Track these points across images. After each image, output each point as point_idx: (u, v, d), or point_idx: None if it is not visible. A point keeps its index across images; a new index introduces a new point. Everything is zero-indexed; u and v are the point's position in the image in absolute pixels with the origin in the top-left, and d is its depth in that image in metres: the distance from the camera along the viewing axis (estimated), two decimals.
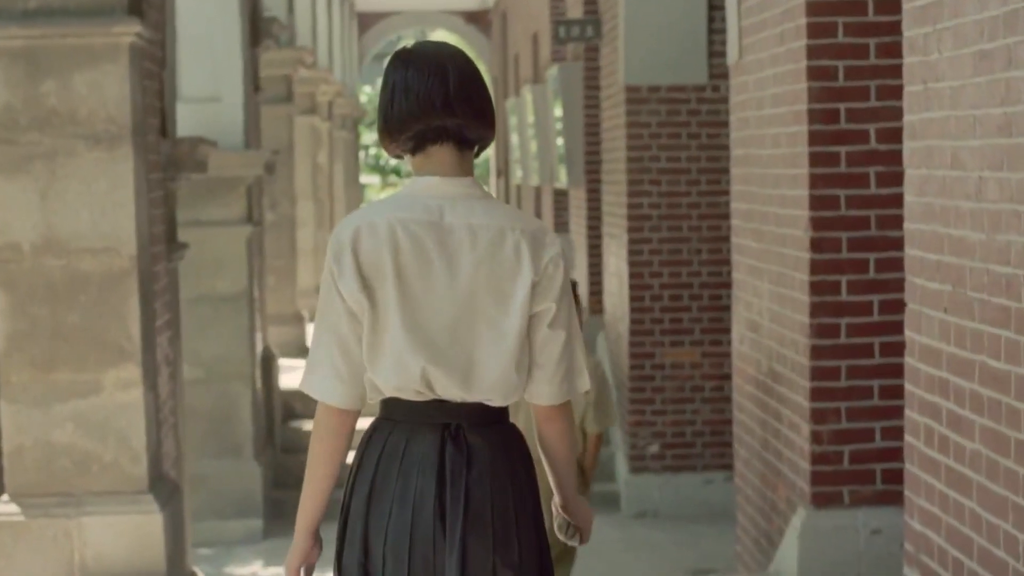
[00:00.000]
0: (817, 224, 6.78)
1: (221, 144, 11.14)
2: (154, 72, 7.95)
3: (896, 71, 6.52)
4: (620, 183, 11.81)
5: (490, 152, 35.90)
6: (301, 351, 15.27)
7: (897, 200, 6.64)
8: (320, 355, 3.53)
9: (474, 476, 3.49)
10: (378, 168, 42.36)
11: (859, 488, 6.80)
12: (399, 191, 3.56)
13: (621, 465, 11.92)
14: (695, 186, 11.54)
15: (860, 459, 6.80)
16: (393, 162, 42.43)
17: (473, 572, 3.51)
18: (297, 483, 12.84)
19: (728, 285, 11.43)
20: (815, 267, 6.80)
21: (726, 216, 11.33)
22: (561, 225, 17.56)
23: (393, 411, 3.53)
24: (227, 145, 11.28)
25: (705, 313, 11.60)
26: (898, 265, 6.64)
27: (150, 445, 7.32)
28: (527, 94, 18.55)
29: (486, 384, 3.50)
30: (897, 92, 6.54)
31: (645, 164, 11.50)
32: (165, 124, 8.12)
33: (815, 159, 6.77)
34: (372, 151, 42.53)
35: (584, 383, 3.65)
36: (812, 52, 6.69)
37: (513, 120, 21.25)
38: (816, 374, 6.81)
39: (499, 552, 3.52)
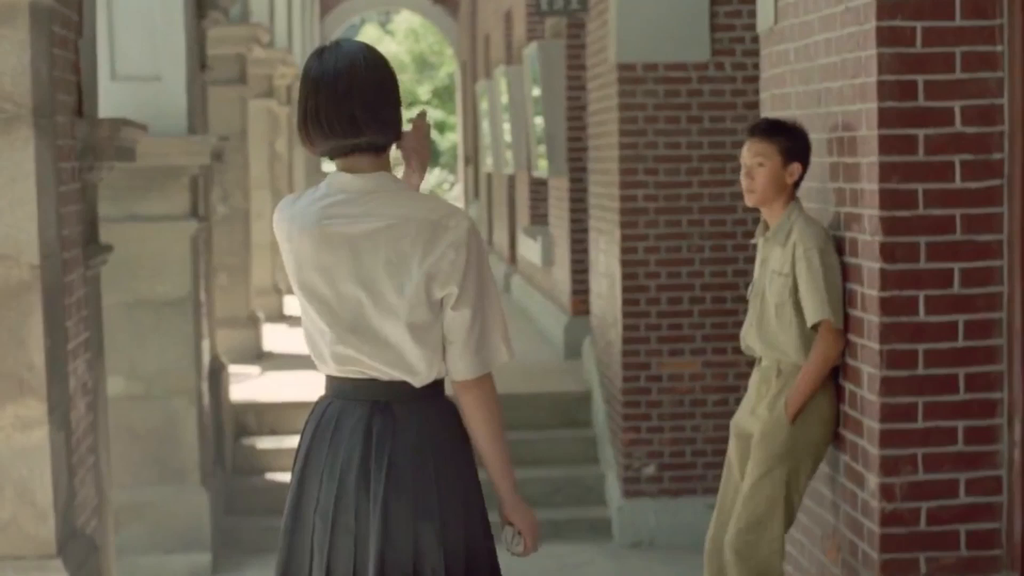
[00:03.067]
0: (889, 226, 5.36)
1: (162, 129, 9.69)
2: (68, 40, 6.47)
3: (988, 34, 5.11)
4: (611, 172, 10.48)
5: (457, 139, 34.64)
6: (257, 357, 13.82)
7: (988, 196, 5.22)
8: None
9: (399, 445, 3.68)
10: None
11: (939, 555, 5.40)
12: (319, 185, 3.80)
13: (613, 489, 10.54)
14: (696, 176, 10.22)
15: (941, 519, 5.39)
16: None
17: (395, 536, 3.69)
18: (251, 508, 10.75)
19: (734, 287, 10.16)
20: (887, 280, 5.38)
21: (731, 210, 10.04)
22: (539, 217, 16.23)
23: (331, 387, 3.80)
24: (168, 130, 9.82)
25: (707, 318, 10.25)
26: (988, 277, 5.22)
27: (59, 498, 5.85)
28: (500, 76, 17.19)
29: (397, 363, 3.72)
30: (989, 60, 5.13)
31: (640, 151, 10.18)
32: (82, 103, 6.63)
33: (886, 144, 5.35)
34: None
35: (501, 357, 3.83)
36: (883, 10, 5.26)
37: (484, 105, 19.90)
38: (887, 413, 5.39)
39: (420, 518, 3.70)
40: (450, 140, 41.20)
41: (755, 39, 9.89)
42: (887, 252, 5.36)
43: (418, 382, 3.76)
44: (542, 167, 14.06)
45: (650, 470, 10.36)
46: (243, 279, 13.91)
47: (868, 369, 5.48)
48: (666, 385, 10.31)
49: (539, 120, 13.83)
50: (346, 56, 3.73)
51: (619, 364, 10.29)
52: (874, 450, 5.42)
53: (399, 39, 43.24)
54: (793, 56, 6.29)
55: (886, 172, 5.35)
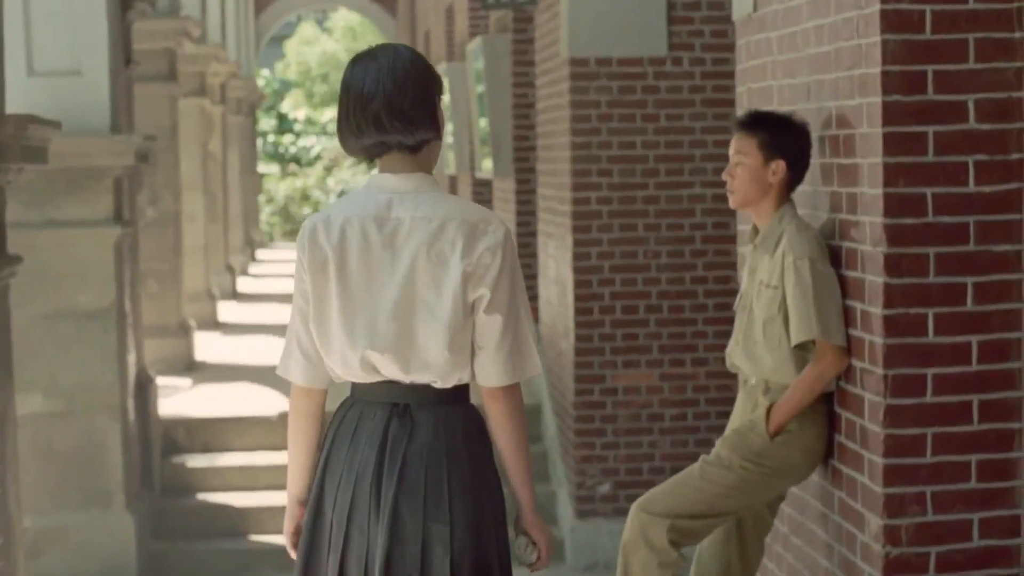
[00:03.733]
0: (894, 235, 4.73)
1: (82, 127, 8.98)
2: None
3: (1005, 19, 4.51)
4: (562, 174, 9.85)
5: None
6: (188, 368, 13.09)
7: (1005, 201, 4.61)
8: (289, 336, 3.86)
9: (414, 448, 3.69)
10: (277, 156, 40.30)
11: None
12: (358, 187, 4.03)
13: (565, 508, 9.92)
14: (652, 177, 9.60)
15: (953, 565, 4.77)
16: (293, 150, 40.35)
17: (402, 538, 3.70)
18: (182, 531, 9.90)
19: (692, 295, 9.58)
20: (891, 296, 4.75)
21: (689, 213, 9.45)
22: None
23: (353, 391, 3.82)
24: (90, 129, 9.10)
25: (664, 328, 9.64)
26: (1005, 293, 4.61)
27: None
28: (442, 74, 16.47)
29: (424, 364, 3.73)
30: (1007, 48, 4.52)
31: (593, 152, 9.57)
32: None
33: (891, 144, 4.72)
34: (271, 138, 40.37)
35: (533, 367, 3.83)
36: None
37: None
38: (892, 446, 4.76)
39: (430, 520, 3.69)
40: None
41: (715, 33, 9.32)
42: (892, 264, 4.73)
43: (440, 384, 3.77)
44: (486, 168, 13.40)
45: (604, 489, 9.74)
46: (174, 285, 13.18)
47: (870, 396, 4.84)
48: (621, 399, 9.70)
49: (483, 119, 13.17)
50: (376, 59, 3.78)
51: (571, 376, 9.68)
52: (877, 488, 4.79)
53: (336, 37, 42.50)
54: (776, 46, 5.66)
55: (891, 175, 4.72)
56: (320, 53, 42.31)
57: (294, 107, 42.53)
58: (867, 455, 4.89)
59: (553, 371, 10.68)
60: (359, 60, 3.79)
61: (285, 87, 43.70)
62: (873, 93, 4.75)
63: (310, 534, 3.86)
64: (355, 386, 3.84)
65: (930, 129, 4.71)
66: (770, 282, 5.13)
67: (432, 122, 3.78)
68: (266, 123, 40.32)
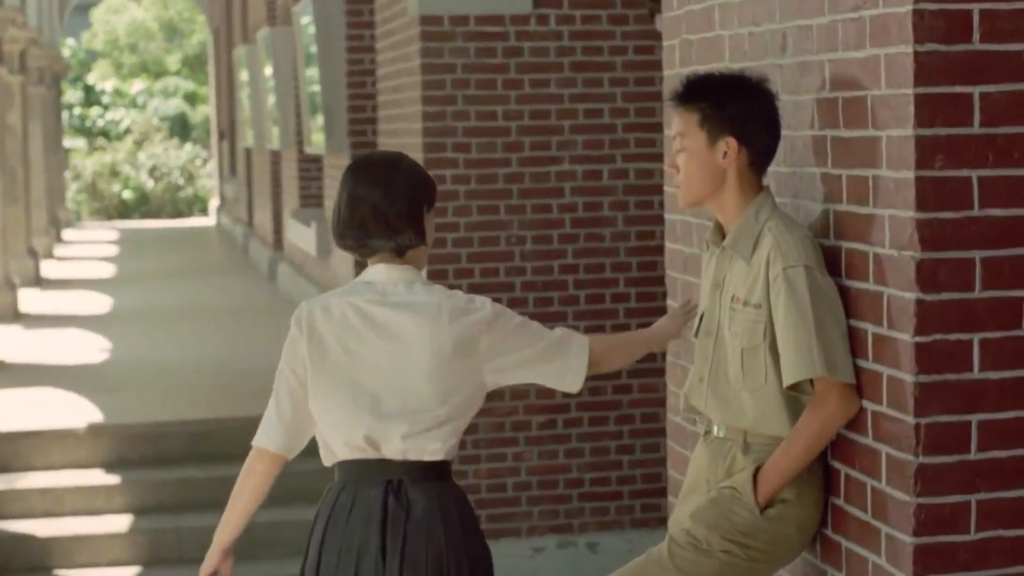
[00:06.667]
0: (930, 236, 3.42)
1: None
2: None
3: None
4: (411, 149, 8.60)
5: (210, 112, 32.33)
6: None
7: None
8: (272, 410, 3.96)
9: (412, 523, 3.84)
10: (84, 130, 38.38)
11: None
12: (354, 280, 3.99)
13: None
14: (516, 152, 8.45)
15: None
16: (101, 124, 38.46)
17: None
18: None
19: (561, 285, 8.35)
20: (925, 317, 3.43)
21: (558, 192, 8.30)
22: (310, 199, 14.21)
23: (343, 472, 3.92)
24: None
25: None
26: None
27: None
28: (263, 40, 15.00)
29: (421, 433, 3.83)
30: None
31: (448, 123, 8.37)
32: None
33: (926, 109, 3.39)
34: (77, 111, 38.42)
35: (585, 351, 4.02)
36: None
37: (243, 75, 17.70)
38: (926, 520, 3.46)
39: None
40: (202, 113, 38.74)
41: None
42: (926, 275, 3.42)
43: (431, 456, 3.87)
44: (317, 143, 11.98)
45: None
46: None
47: (892, 452, 3.53)
48: (483, 405, 8.31)
49: (314, 88, 11.72)
50: (374, 166, 3.96)
51: None
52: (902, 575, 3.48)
53: (145, 5, 40.70)
54: None
55: (925, 153, 3.40)
56: (128, 22, 40.57)
57: (101, 78, 40.76)
58: (886, 530, 3.57)
59: None
60: (359, 164, 3.96)
61: (92, 57, 41.85)
62: (898, 40, 3.42)
63: None
64: (345, 467, 3.92)
65: (976, 90, 3.41)
66: (748, 299, 3.79)
67: (416, 232, 3.90)
68: (72, 95, 38.42)
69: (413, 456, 3.85)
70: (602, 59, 8.37)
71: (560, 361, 3.96)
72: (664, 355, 9.00)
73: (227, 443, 9.48)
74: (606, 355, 4.10)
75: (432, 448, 3.83)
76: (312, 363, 3.87)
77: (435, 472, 3.88)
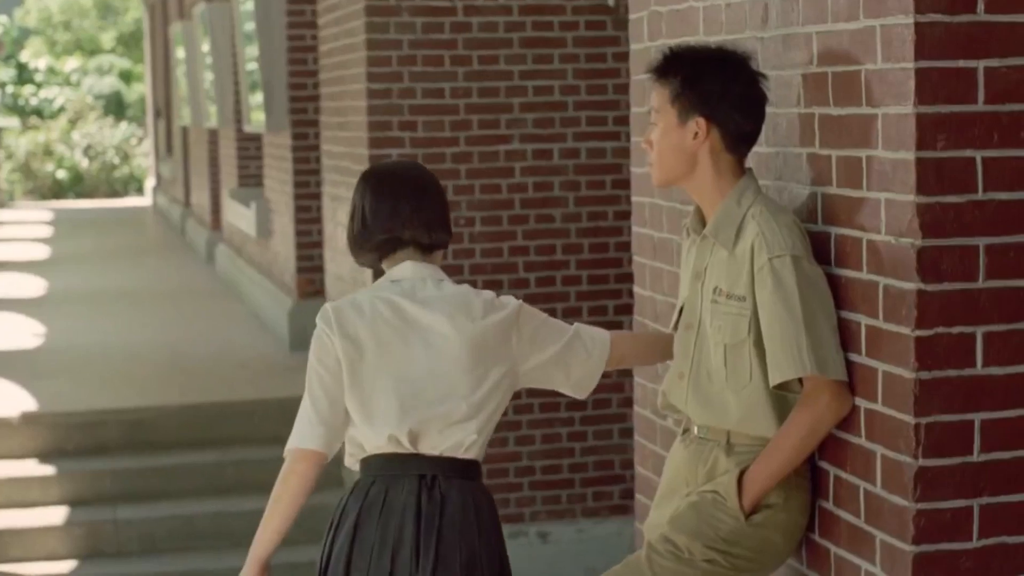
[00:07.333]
0: (931, 221, 3.16)
1: None
2: None
3: None
4: (355, 127, 8.27)
5: (146, 90, 31.88)
6: None
7: None
8: (307, 410, 3.83)
9: (446, 520, 3.81)
10: (17, 109, 37.79)
11: None
12: (378, 281, 3.92)
13: None
14: (464, 131, 8.20)
15: None
16: (35, 102, 37.88)
17: None
18: None
19: (511, 268, 8.07)
20: (926, 309, 3.17)
21: (507, 172, 8.03)
22: (249, 179, 13.88)
23: (373, 467, 3.84)
24: None
25: None
26: None
27: None
28: (200, 16, 14.63)
29: (457, 429, 3.79)
30: None
31: (393, 101, 8.10)
32: None
33: (927, 86, 3.13)
34: (10, 89, 37.82)
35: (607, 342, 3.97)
36: None
37: (180, 52, 17.30)
38: (926, 527, 3.21)
39: None
40: (137, 91, 38.19)
41: None
42: (928, 263, 3.16)
43: (464, 453, 3.83)
44: (256, 121, 11.62)
45: None
46: None
47: (888, 453, 3.27)
48: None
49: (252, 65, 11.38)
50: (398, 168, 3.99)
51: None
52: None
53: None
54: None
55: (927, 131, 3.13)
56: None
57: (35, 56, 40.13)
58: (881, 536, 3.32)
59: None
60: (377, 171, 3.95)
61: (25, 35, 41.21)
62: (896, 10, 3.15)
63: None
64: (375, 462, 3.85)
65: (981, 64, 3.15)
66: (732, 291, 3.51)
67: (447, 228, 3.90)
68: (4, 73, 37.81)
69: (448, 452, 3.81)
70: (552, 34, 8.10)
71: (578, 366, 3.93)
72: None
73: (166, 431, 9.17)
74: (626, 357, 4.05)
75: (467, 442, 3.79)
76: (347, 360, 3.80)
77: (468, 470, 3.84)
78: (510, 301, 3.86)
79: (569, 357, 3.90)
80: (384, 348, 3.80)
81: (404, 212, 3.82)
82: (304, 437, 3.81)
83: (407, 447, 3.78)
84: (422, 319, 3.79)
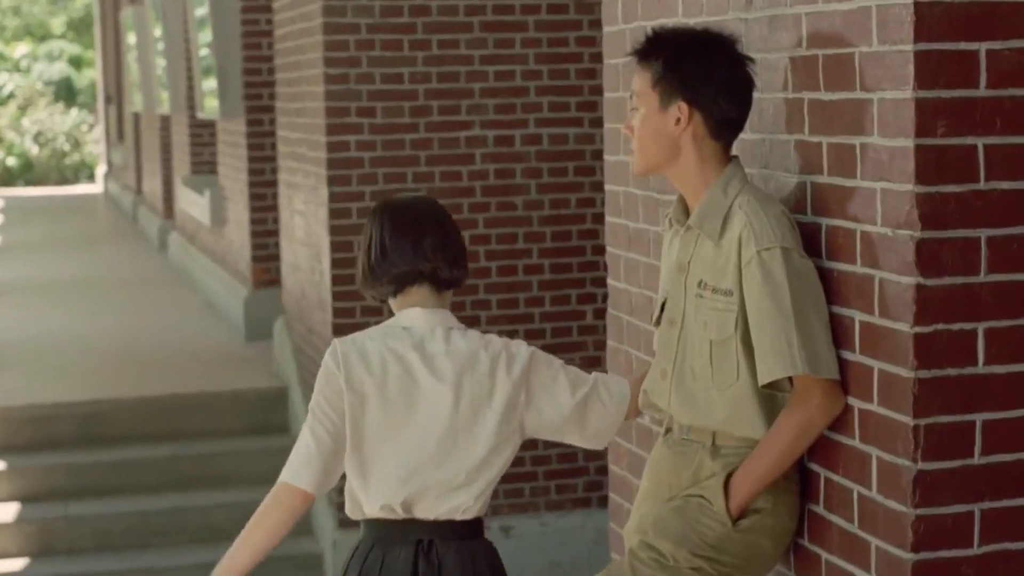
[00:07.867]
0: (931, 212, 2.99)
1: None
2: None
3: None
4: (312, 113, 8.08)
5: (97, 76, 31.51)
6: None
7: None
8: (305, 445, 3.71)
9: None
10: None
11: None
12: (388, 323, 3.81)
13: (324, 516, 8.18)
14: (423, 116, 8.04)
15: None
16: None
17: None
18: None
19: (472, 257, 7.80)
20: (926, 304, 3.00)
21: (468, 159, 7.90)
22: (202, 165, 13.63)
23: (371, 531, 3.76)
24: None
25: None
26: None
27: None
28: (152, 1, 14.38)
29: (456, 492, 3.70)
30: None
31: (351, 86, 7.93)
32: None
33: (927, 69, 2.96)
34: None
35: (605, 434, 3.81)
36: None
37: (131, 37, 17.03)
38: (924, 534, 3.04)
39: None
40: (88, 77, 37.76)
41: None
42: (928, 256, 2.99)
43: (461, 516, 3.74)
44: (210, 107, 11.38)
45: None
46: None
47: (884, 456, 3.10)
48: None
49: (206, 50, 11.14)
50: (415, 202, 3.84)
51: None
52: None
53: None
54: None
55: (926, 117, 2.96)
56: None
57: None
58: (876, 543, 3.15)
59: (303, 349, 8.82)
60: (394, 203, 3.82)
61: None
62: None
63: None
64: (373, 526, 3.75)
65: (983, 46, 2.98)
66: (718, 284, 3.33)
67: (466, 266, 3.82)
68: None
69: (444, 516, 3.70)
70: (514, 18, 7.92)
71: (594, 421, 3.75)
72: (579, 329, 8.65)
73: (120, 425, 8.95)
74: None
75: (464, 507, 3.69)
76: (351, 413, 3.68)
77: (467, 530, 3.74)
78: (521, 350, 3.71)
79: (584, 414, 3.74)
80: (389, 411, 3.67)
81: (427, 245, 3.68)
82: (299, 475, 3.67)
83: (401, 514, 3.68)
84: (428, 383, 3.68)
